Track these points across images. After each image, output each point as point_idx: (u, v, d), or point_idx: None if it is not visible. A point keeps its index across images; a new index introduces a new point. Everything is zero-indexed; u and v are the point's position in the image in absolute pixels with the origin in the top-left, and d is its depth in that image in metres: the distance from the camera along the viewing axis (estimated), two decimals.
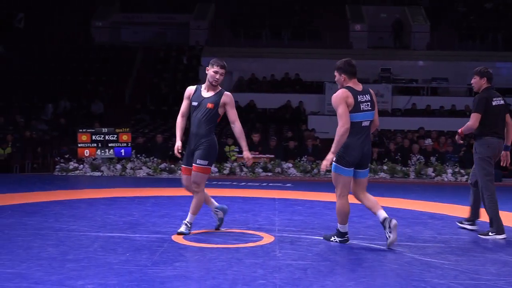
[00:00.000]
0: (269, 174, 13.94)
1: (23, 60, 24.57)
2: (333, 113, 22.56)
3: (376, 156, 14.94)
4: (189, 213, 6.16)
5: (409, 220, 7.51)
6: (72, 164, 14.09)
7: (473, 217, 6.91)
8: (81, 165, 14.04)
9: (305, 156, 14.58)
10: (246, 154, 6.11)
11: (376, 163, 14.36)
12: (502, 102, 6.60)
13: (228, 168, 13.99)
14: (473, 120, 6.50)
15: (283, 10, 27.77)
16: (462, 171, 14.01)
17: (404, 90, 23.69)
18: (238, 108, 20.75)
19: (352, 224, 7.04)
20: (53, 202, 8.58)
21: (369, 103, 5.73)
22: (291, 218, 6.85)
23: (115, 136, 14.17)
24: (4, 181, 12.07)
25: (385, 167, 14.26)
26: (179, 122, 6.25)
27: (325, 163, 5.67)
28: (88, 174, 13.78)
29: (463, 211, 7.75)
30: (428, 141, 15.86)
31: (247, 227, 6.75)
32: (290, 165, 14.26)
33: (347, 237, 5.98)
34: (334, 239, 6.00)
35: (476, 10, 27.77)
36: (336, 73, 5.83)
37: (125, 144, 14.40)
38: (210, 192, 6.53)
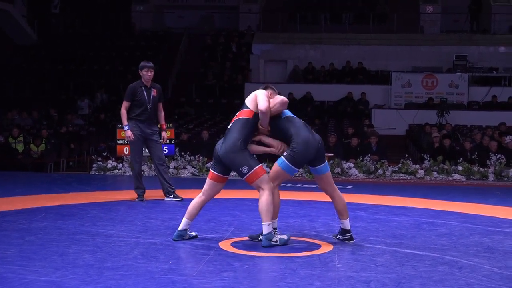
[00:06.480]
0: None
1: (57, 49, 25.10)
2: (400, 107, 22.40)
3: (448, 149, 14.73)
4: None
5: (488, 229, 7.36)
6: (111, 163, 14.33)
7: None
8: (120, 164, 14.26)
9: (369, 155, 14.45)
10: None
11: (449, 163, 14.13)
12: None
13: None
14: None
15: None
16: None
17: (482, 80, 23.25)
18: (293, 100, 20.78)
19: (423, 232, 6.96)
20: (90, 204, 8.75)
21: None
22: (352, 225, 6.77)
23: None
24: (38, 181, 12.38)
25: (460, 168, 14.02)
26: None
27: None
28: (127, 173, 13.98)
29: None
30: (510, 138, 15.49)
31: (303, 234, 6.74)
32: (351, 165, 14.17)
33: (350, 234, 6.25)
34: (340, 238, 6.26)
35: None
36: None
37: (167, 141, 14.49)
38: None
